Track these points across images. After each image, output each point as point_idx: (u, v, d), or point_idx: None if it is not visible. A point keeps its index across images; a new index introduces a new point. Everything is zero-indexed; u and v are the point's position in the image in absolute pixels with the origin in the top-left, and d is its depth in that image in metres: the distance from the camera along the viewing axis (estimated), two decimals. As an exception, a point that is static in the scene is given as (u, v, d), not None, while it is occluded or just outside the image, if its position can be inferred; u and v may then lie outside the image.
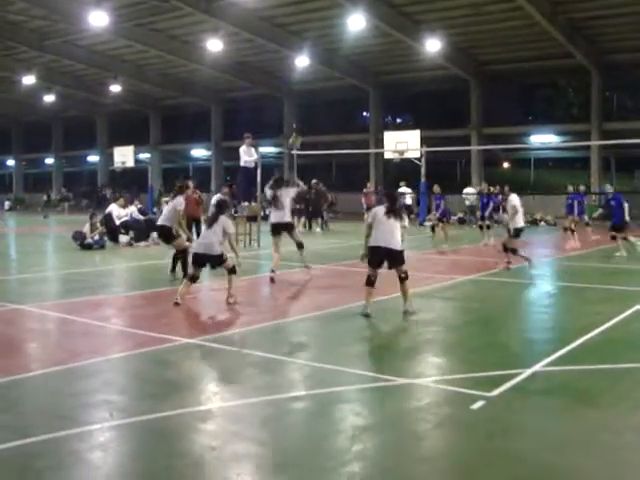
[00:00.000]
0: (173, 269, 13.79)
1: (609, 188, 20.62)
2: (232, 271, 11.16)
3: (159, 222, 13.70)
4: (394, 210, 10.17)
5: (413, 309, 10.18)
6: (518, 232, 15.24)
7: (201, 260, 11.16)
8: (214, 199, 14.74)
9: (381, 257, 10.11)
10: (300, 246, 14.38)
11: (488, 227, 22.07)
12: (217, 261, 11.18)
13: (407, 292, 10.25)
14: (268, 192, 14.58)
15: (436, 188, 22.49)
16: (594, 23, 32.20)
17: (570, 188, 22.94)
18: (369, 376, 7.05)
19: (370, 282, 10.12)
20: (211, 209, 12.35)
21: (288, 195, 14.28)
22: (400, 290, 10.31)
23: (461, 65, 37.60)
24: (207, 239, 11.16)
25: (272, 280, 13.51)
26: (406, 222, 10.82)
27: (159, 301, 11.76)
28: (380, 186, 36.35)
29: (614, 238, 18.44)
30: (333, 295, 12.42)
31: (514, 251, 15.08)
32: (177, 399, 6.33)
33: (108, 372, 7.37)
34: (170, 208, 13.38)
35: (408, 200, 33.50)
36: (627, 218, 18.62)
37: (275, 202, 14.23)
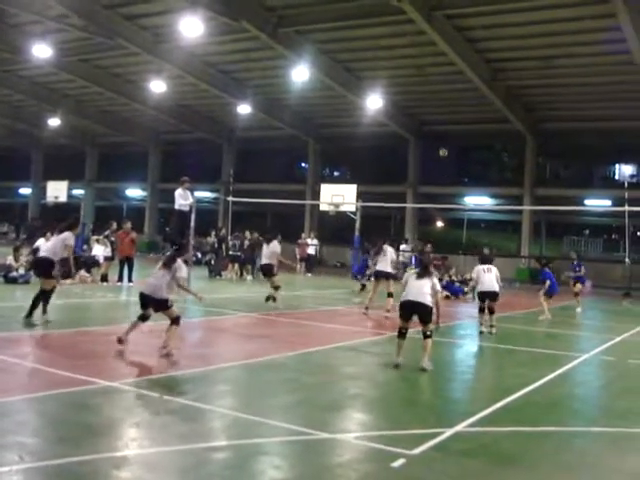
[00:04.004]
0: (34, 311, 12.91)
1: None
2: (175, 321, 10.52)
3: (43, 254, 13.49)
4: (426, 274, 10.75)
5: (430, 366, 10.32)
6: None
7: (145, 301, 10.67)
8: None
9: (411, 310, 10.57)
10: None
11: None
12: (161, 305, 10.57)
13: (427, 349, 10.47)
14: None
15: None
16: (531, 91, 33.31)
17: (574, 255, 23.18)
18: (291, 429, 6.94)
19: (401, 334, 10.58)
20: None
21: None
22: (422, 345, 10.52)
23: (401, 123, 38.26)
24: (155, 280, 10.66)
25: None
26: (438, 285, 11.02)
27: (81, 341, 11.47)
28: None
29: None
30: (260, 344, 12.29)
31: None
32: (93, 444, 6.13)
33: (22, 412, 7.11)
34: (56, 243, 13.28)
35: (311, 250, 33.87)
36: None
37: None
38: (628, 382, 10.97)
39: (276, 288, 17.64)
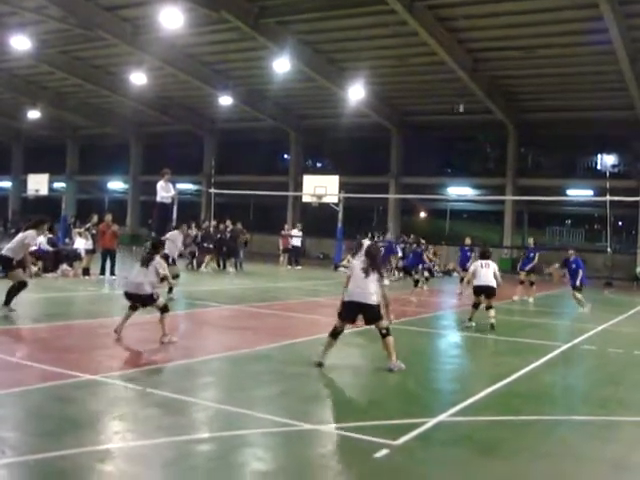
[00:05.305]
0: (7, 302, 12.77)
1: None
2: (164, 310, 11.01)
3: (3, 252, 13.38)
4: (373, 267, 9.66)
5: (398, 367, 9.56)
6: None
7: (131, 299, 11.04)
8: None
9: (355, 313, 9.72)
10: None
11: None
12: (148, 301, 11.01)
13: (390, 348, 9.64)
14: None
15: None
16: (512, 82, 33.42)
17: (530, 241, 23.32)
18: (275, 420, 6.93)
19: (334, 334, 9.77)
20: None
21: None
22: (382, 347, 9.71)
23: (383, 114, 38.28)
24: (138, 279, 10.95)
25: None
26: (386, 281, 10.09)
27: (63, 335, 11.41)
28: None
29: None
30: (243, 336, 12.27)
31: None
32: (75, 437, 6.09)
33: (3, 407, 7.05)
34: (19, 240, 13.16)
35: (296, 242, 33.67)
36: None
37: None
38: (608, 371, 11.04)
39: (175, 277, 16.16)
